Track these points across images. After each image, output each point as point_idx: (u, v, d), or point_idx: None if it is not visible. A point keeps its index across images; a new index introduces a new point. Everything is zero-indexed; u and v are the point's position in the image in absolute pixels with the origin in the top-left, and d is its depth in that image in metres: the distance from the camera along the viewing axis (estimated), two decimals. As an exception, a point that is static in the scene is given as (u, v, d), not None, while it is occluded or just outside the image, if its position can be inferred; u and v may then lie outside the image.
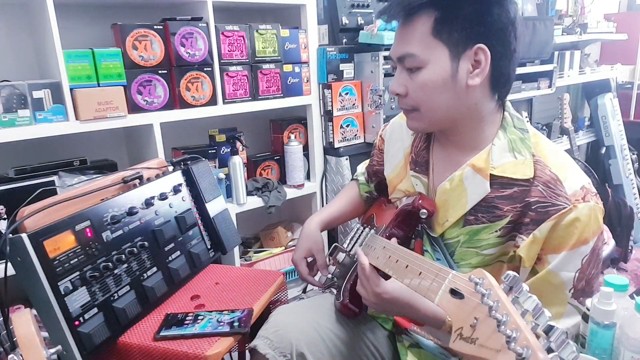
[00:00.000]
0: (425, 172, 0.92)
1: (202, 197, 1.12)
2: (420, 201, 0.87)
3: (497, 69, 0.80)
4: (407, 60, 0.81)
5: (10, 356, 0.69)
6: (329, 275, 1.08)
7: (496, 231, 0.81)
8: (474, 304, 0.55)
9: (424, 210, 0.86)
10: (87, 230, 0.86)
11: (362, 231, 1.02)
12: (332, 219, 1.15)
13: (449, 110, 0.82)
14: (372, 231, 0.98)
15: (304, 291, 1.34)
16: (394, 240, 0.84)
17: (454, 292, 0.60)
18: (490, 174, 0.81)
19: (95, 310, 0.84)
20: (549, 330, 0.49)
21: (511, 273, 0.53)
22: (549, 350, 0.47)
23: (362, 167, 1.23)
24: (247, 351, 1.03)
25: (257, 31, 1.65)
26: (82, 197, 0.91)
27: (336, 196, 1.23)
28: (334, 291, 1.05)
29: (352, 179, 1.24)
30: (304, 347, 0.91)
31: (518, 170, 0.79)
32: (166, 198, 1.04)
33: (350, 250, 1.03)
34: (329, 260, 1.11)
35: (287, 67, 1.75)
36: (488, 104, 0.83)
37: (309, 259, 1.11)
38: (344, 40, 1.87)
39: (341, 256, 1.06)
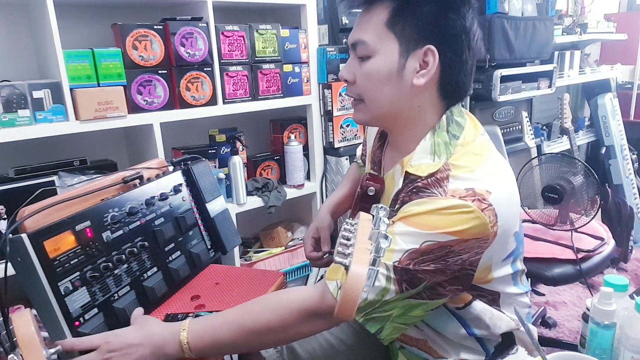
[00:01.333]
0: (379, 171, 0.94)
1: (202, 197, 1.12)
2: (367, 181, 0.89)
3: (446, 76, 0.79)
4: (359, 48, 0.81)
5: (10, 356, 0.69)
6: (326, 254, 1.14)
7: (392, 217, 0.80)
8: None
9: (372, 188, 0.88)
10: (87, 230, 0.86)
11: None
12: (341, 201, 1.19)
13: (392, 106, 0.82)
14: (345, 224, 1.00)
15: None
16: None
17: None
18: (406, 172, 0.81)
19: (95, 310, 0.84)
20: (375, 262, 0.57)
21: (380, 211, 0.62)
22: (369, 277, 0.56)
23: (359, 151, 1.26)
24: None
25: (257, 31, 1.65)
26: (82, 197, 0.91)
27: (341, 181, 1.27)
28: None
29: (353, 162, 1.27)
30: (296, 342, 0.91)
31: (427, 170, 0.78)
32: (166, 198, 1.04)
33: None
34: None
35: (287, 67, 1.75)
36: (433, 109, 0.83)
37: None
38: (344, 40, 1.87)
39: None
